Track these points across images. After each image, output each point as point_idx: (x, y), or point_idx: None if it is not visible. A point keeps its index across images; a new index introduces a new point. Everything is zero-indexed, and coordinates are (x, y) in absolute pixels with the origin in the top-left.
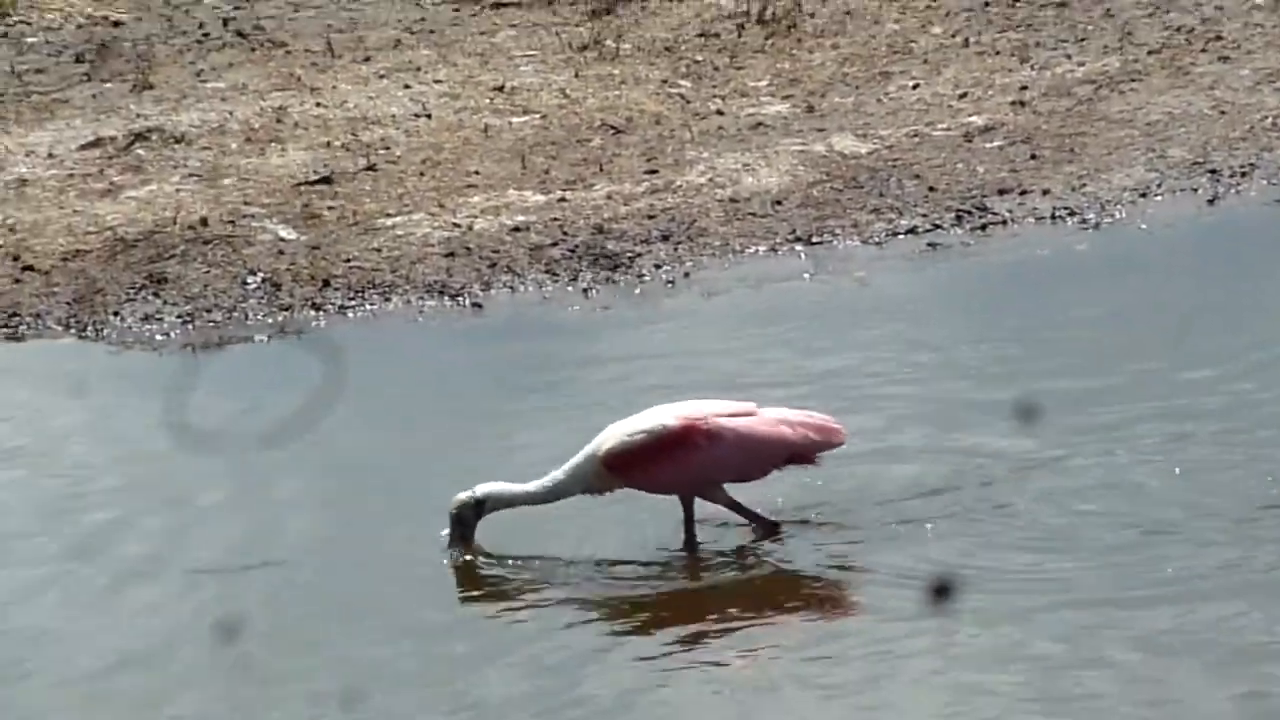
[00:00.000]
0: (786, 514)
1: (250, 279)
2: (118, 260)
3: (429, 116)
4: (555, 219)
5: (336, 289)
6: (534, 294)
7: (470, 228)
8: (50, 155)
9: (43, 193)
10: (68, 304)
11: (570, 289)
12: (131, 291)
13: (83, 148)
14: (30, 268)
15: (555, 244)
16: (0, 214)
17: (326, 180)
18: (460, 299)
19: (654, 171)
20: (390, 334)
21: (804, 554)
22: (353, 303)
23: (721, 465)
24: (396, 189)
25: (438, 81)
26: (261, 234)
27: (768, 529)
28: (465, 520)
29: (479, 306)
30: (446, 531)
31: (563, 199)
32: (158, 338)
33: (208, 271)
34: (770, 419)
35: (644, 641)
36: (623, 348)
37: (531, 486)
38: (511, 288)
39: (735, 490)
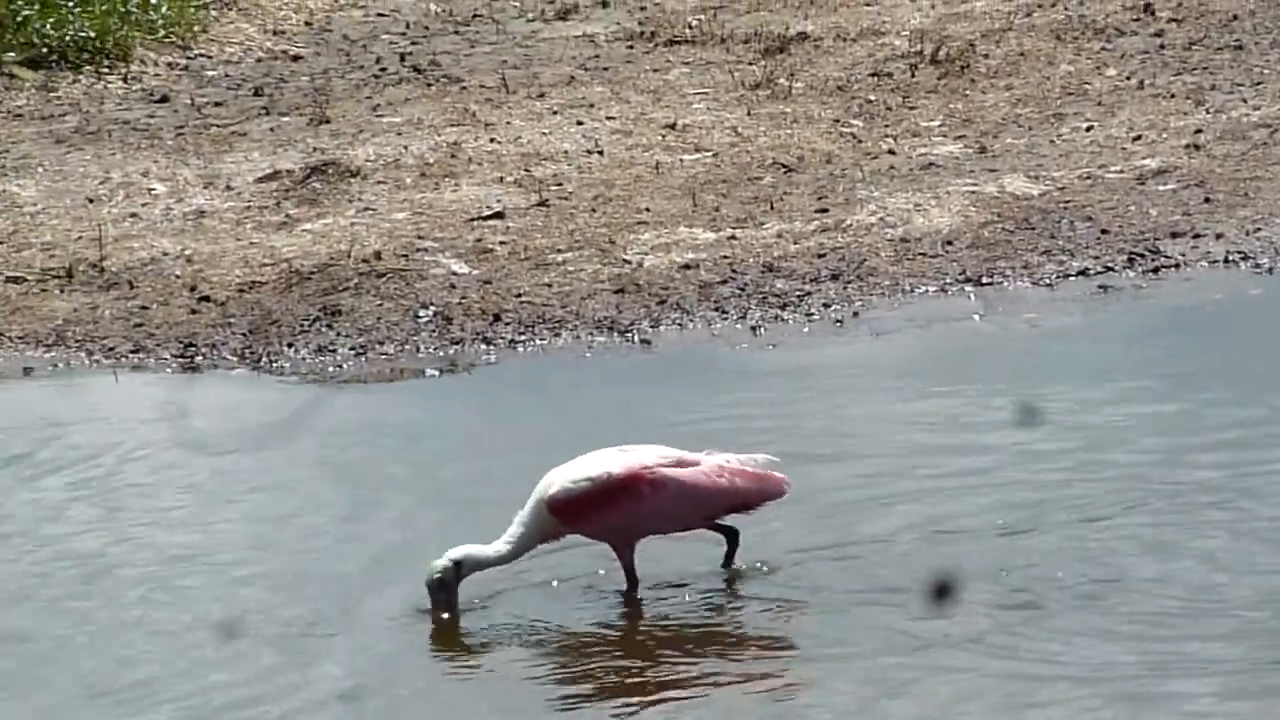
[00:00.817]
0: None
1: (422, 312)
2: (293, 292)
3: (601, 153)
4: (725, 257)
5: (507, 323)
6: (703, 331)
7: (640, 264)
8: (228, 187)
9: (220, 224)
10: (243, 335)
11: (739, 326)
12: (305, 323)
13: (260, 180)
14: (207, 299)
15: (724, 281)
16: (178, 245)
17: (499, 215)
18: (629, 335)
19: (824, 210)
20: (559, 369)
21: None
22: (523, 337)
23: (663, 515)
24: (568, 225)
25: (610, 118)
26: (434, 268)
27: (632, 588)
28: (447, 585)
29: (648, 343)
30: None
31: (733, 237)
32: (330, 370)
33: (380, 304)
34: (712, 468)
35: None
36: (790, 386)
37: (501, 546)
38: (680, 325)
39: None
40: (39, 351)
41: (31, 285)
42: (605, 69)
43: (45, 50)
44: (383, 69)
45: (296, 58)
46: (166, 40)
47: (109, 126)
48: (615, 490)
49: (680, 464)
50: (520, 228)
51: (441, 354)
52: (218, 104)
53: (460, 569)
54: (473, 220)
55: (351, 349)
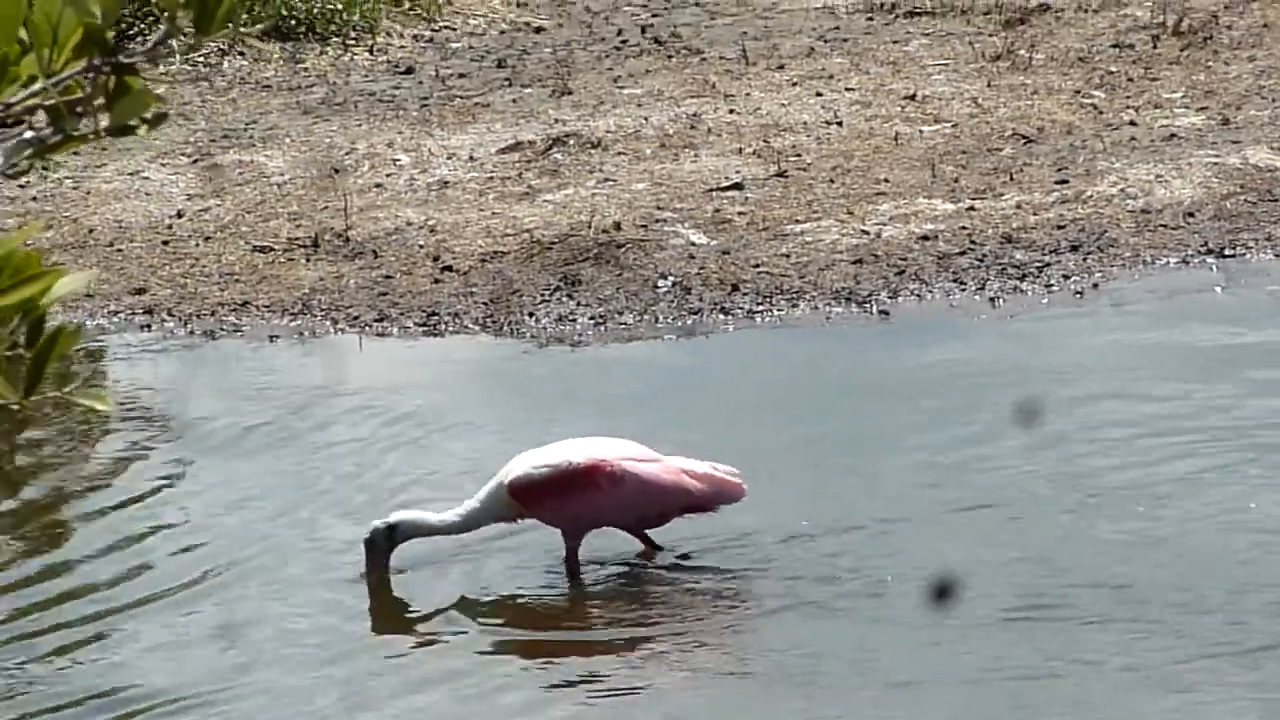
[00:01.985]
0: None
1: (661, 283)
2: (534, 262)
3: (840, 124)
4: (964, 228)
5: (745, 294)
6: (941, 302)
7: (879, 235)
8: (471, 158)
9: (463, 195)
10: (485, 304)
11: (977, 298)
12: (546, 293)
13: (502, 151)
14: (450, 268)
15: (963, 253)
16: (422, 215)
17: (738, 186)
18: (867, 306)
19: (1064, 182)
20: (798, 339)
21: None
22: (761, 308)
23: (620, 507)
24: (806, 196)
25: (849, 89)
26: (673, 239)
27: (573, 577)
28: (377, 547)
29: (886, 314)
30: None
31: (972, 208)
32: (571, 339)
33: (620, 274)
34: (673, 467)
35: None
36: (1029, 358)
37: (448, 515)
38: (919, 295)
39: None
40: (285, 320)
41: (278, 255)
42: (845, 40)
43: (293, 22)
44: (624, 41)
45: (539, 30)
46: (412, 13)
47: (355, 98)
48: (574, 479)
49: (642, 461)
50: (759, 198)
51: (680, 324)
52: (461, 76)
53: (394, 532)
54: (712, 191)
55: (591, 318)
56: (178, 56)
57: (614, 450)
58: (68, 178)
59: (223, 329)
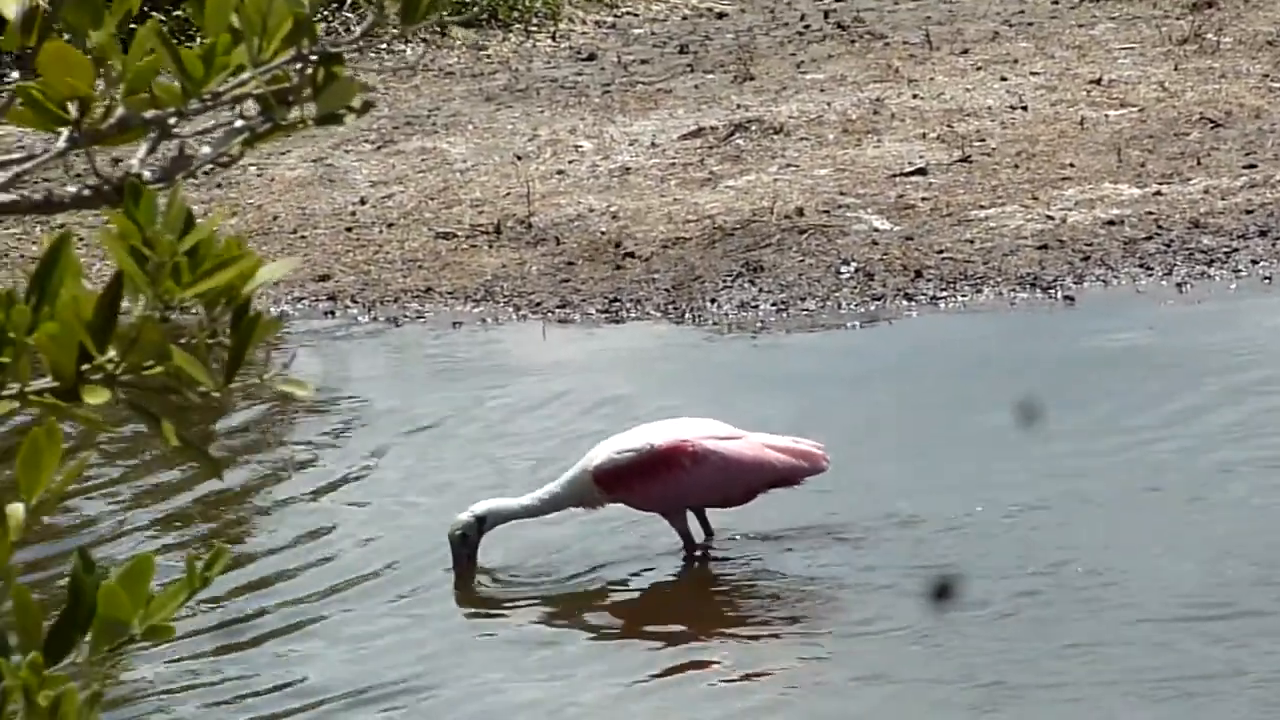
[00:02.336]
0: None
1: (844, 268)
2: (715, 248)
3: (1025, 109)
4: (1150, 212)
5: (929, 280)
6: (1127, 287)
7: (1064, 220)
8: (653, 144)
9: (645, 181)
10: (666, 290)
11: (1164, 283)
12: (728, 279)
13: (684, 137)
14: (631, 254)
15: (1150, 238)
16: (604, 201)
17: (921, 171)
18: (1052, 291)
19: (1253, 166)
20: (981, 326)
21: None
22: (944, 294)
23: (706, 486)
24: (990, 181)
25: (1034, 74)
26: (856, 224)
27: (689, 549)
28: (469, 541)
29: (1071, 299)
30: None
31: (1158, 192)
32: (753, 325)
33: (802, 260)
34: (755, 443)
35: (644, 653)
36: (1217, 343)
37: (528, 500)
38: (1104, 281)
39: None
40: (467, 306)
41: (461, 241)
42: (1030, 24)
43: (476, 9)
44: (806, 26)
45: (721, 15)
46: None
47: (537, 84)
48: (657, 461)
49: (725, 439)
50: (942, 184)
51: (862, 310)
52: (643, 62)
53: (483, 524)
54: (895, 176)
55: (773, 304)
56: (360, 43)
57: (695, 430)
58: (252, 165)
59: (406, 315)
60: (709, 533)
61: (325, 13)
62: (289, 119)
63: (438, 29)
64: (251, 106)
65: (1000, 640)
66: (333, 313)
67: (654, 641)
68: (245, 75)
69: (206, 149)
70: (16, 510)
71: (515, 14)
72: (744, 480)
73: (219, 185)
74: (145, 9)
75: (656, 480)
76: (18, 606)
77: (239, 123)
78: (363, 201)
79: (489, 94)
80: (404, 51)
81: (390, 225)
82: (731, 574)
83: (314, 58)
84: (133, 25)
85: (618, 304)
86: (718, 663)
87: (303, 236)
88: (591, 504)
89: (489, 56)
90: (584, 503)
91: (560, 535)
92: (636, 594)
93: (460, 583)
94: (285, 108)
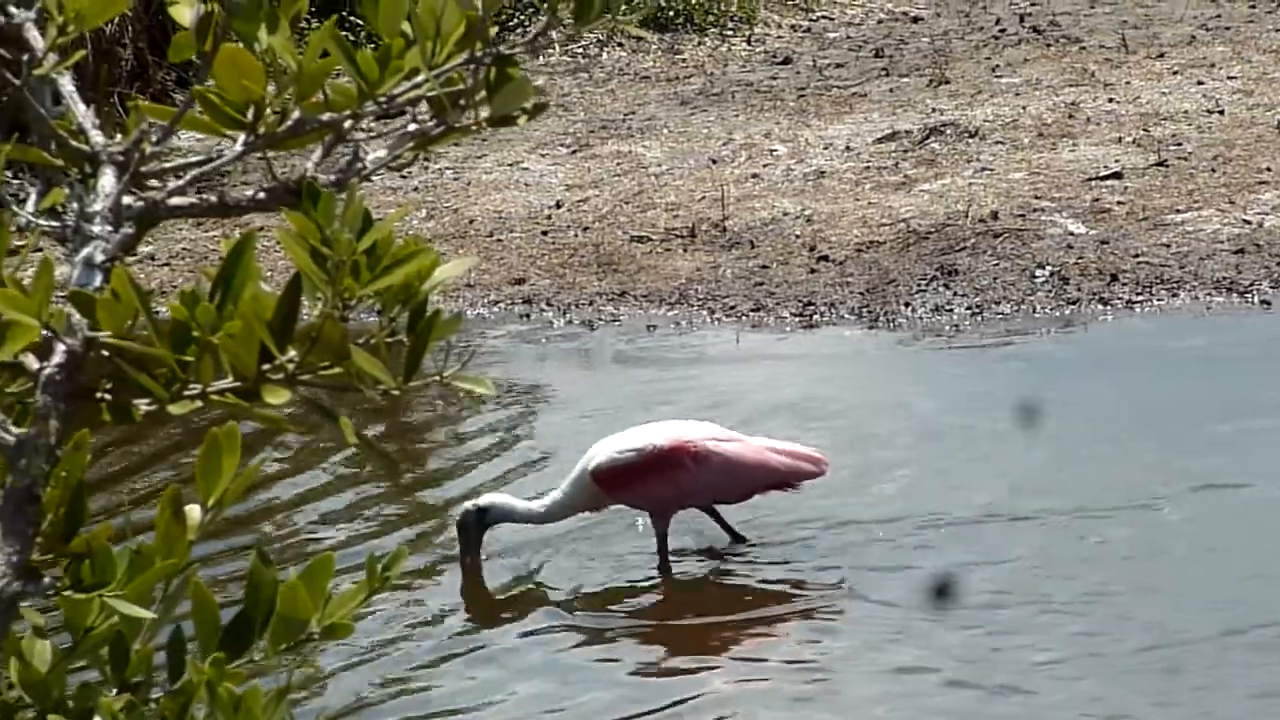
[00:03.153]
0: None
1: (1039, 272)
2: (910, 252)
3: (1221, 112)
4: None
5: (1124, 284)
6: None
7: (1260, 225)
8: (847, 148)
9: (839, 185)
10: (861, 294)
11: None
12: (923, 283)
13: (878, 141)
14: (825, 258)
15: None
16: (799, 204)
17: (1117, 175)
18: (1249, 296)
19: None
20: (1177, 330)
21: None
22: (1140, 298)
23: (706, 486)
24: (1186, 185)
25: (1231, 78)
26: (1051, 228)
27: (664, 559)
28: (469, 529)
29: (1267, 304)
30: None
31: None
32: (947, 329)
33: (997, 264)
34: (756, 445)
35: (643, 655)
36: None
37: (534, 505)
38: None
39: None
40: (662, 309)
41: (656, 244)
42: (1226, 28)
43: (671, 14)
44: (1002, 30)
45: (916, 19)
46: (790, 3)
47: (732, 88)
48: (659, 461)
49: (724, 440)
50: (1138, 187)
51: (1057, 314)
52: (838, 66)
53: (485, 515)
54: (1090, 180)
55: (968, 308)
56: (557, 48)
57: (695, 431)
58: (448, 169)
59: (600, 319)
60: (737, 538)
61: (504, 13)
62: (462, 122)
63: (634, 36)
64: (425, 109)
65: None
66: (528, 316)
67: (655, 644)
68: (419, 78)
69: (381, 152)
70: (194, 511)
71: (710, 18)
72: (744, 482)
73: (415, 189)
74: (314, 12)
75: (659, 480)
76: (196, 604)
77: (412, 126)
78: (558, 205)
79: (684, 98)
80: (600, 56)
81: (585, 229)
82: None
83: (487, 60)
84: (302, 28)
85: (811, 308)
86: (720, 663)
87: (498, 240)
88: (593, 507)
89: (684, 61)
90: (586, 506)
91: (556, 533)
92: (647, 594)
93: (464, 570)
94: (458, 110)
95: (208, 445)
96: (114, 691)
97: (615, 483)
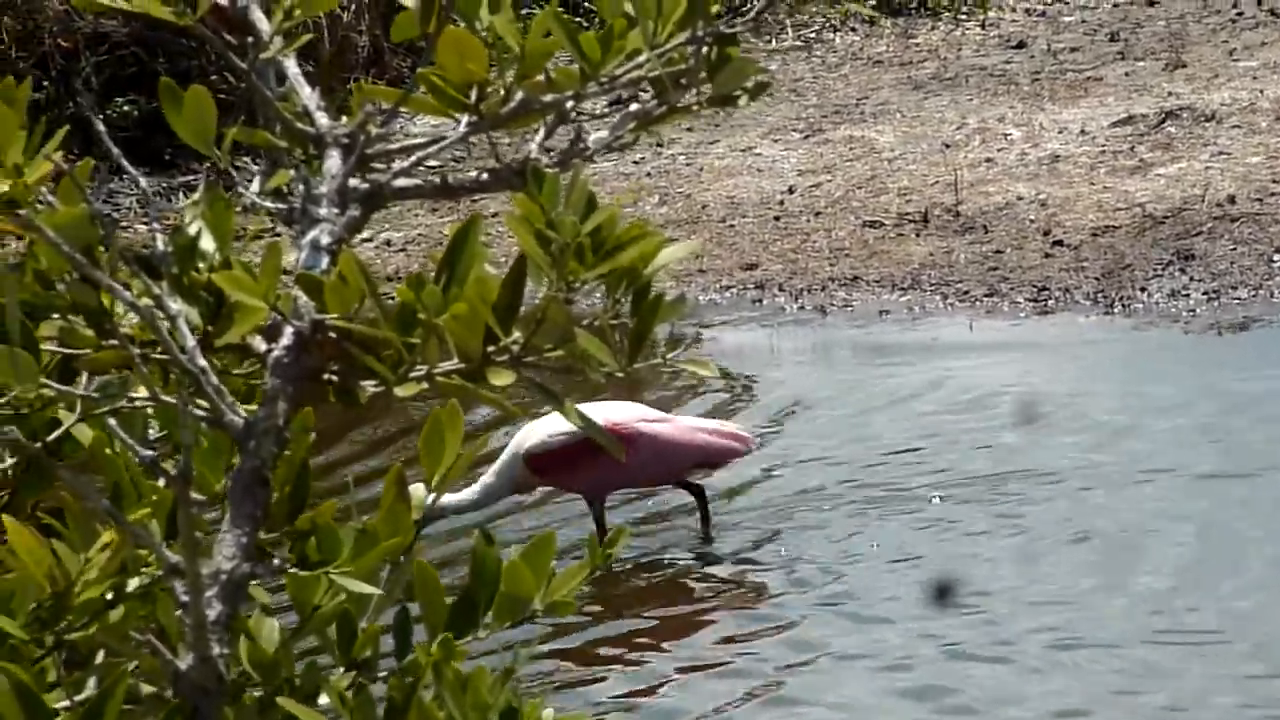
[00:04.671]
0: None
1: (1276, 257)
2: (1145, 237)
3: None
4: None
5: None
6: None
7: None
8: (1082, 132)
9: (1074, 169)
10: (1096, 279)
11: None
12: (1159, 268)
13: (1114, 125)
14: (1060, 243)
15: None
16: (1032, 190)
17: None
18: None
19: None
20: None
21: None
22: None
23: (637, 466)
24: None
25: None
26: None
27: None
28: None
29: None
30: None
31: None
32: (1183, 315)
33: (1234, 249)
34: (685, 425)
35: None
36: None
37: (464, 494)
38: None
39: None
40: (894, 295)
41: (888, 229)
42: None
43: None
44: (1239, 13)
45: (1153, 3)
46: None
47: (966, 72)
48: (589, 444)
49: (653, 421)
50: None
51: None
52: (1073, 49)
53: (422, 526)
54: None
55: (1204, 294)
56: (790, 32)
57: (624, 413)
58: (681, 154)
59: (833, 304)
60: (705, 517)
61: None
62: (683, 102)
63: (867, 20)
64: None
65: None
66: (760, 301)
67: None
68: (641, 58)
69: (603, 133)
70: (418, 490)
71: (944, 2)
72: (675, 461)
73: (648, 175)
74: None
75: (590, 462)
76: (421, 584)
77: (634, 106)
78: (791, 190)
79: (917, 82)
80: (833, 41)
81: (818, 214)
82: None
83: (709, 39)
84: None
85: (1045, 293)
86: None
87: (731, 225)
88: (524, 488)
89: (918, 45)
90: (517, 489)
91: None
92: (644, 578)
93: None
94: (680, 90)
95: (431, 424)
96: (340, 670)
97: (547, 466)
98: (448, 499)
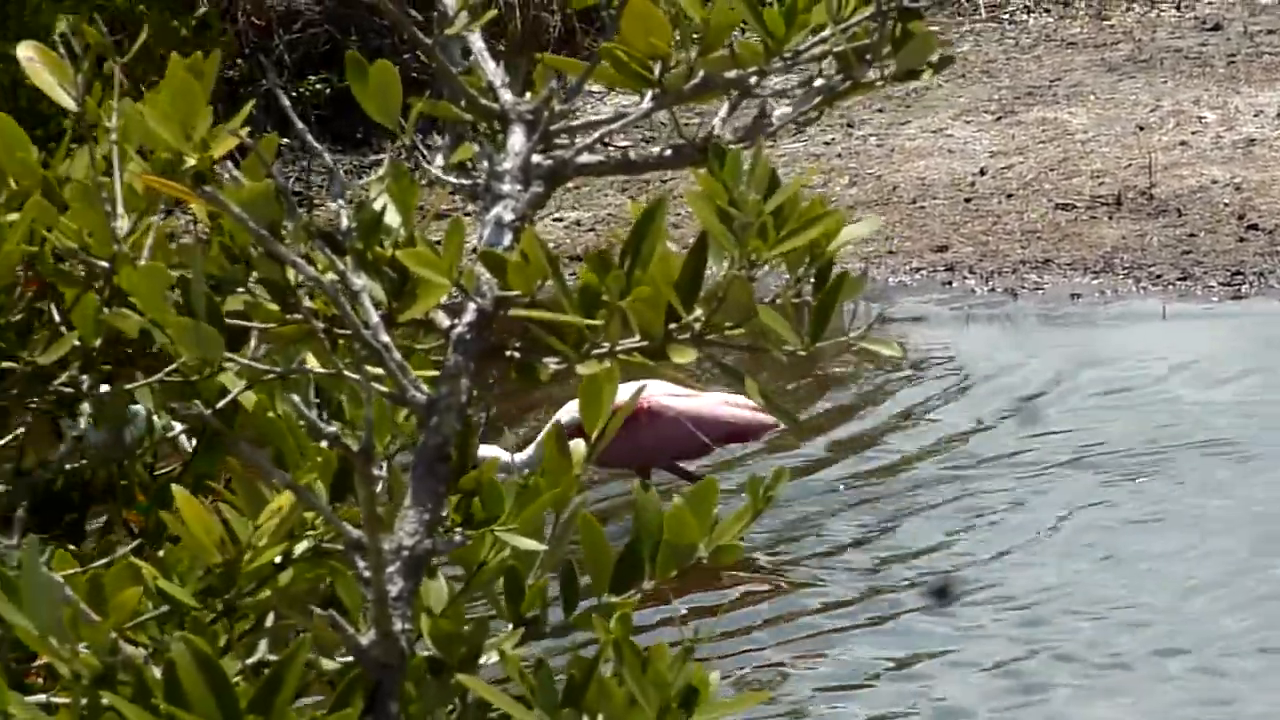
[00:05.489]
0: None
1: None
2: None
3: None
4: None
5: None
6: None
7: None
8: (1279, 116)
9: (1269, 153)
10: None
11: None
12: None
13: None
14: (1255, 227)
15: None
16: (1227, 173)
17: None
18: None
19: None
20: None
21: None
22: None
23: (663, 440)
24: None
25: None
26: None
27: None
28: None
29: None
30: None
31: None
32: None
33: None
34: (711, 400)
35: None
36: None
37: (518, 458)
38: None
39: None
40: (1086, 278)
41: (1080, 212)
42: None
43: None
44: None
45: None
46: None
47: (1161, 54)
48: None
49: (678, 396)
50: None
51: None
52: (1270, 32)
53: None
54: None
55: None
56: (982, 12)
57: (650, 389)
58: (872, 135)
59: (1024, 286)
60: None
61: None
62: (867, 77)
63: (1061, 2)
64: (831, 65)
65: None
66: (950, 283)
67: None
68: (825, 33)
69: (787, 109)
70: (579, 445)
71: None
72: (699, 436)
73: (839, 155)
74: None
75: (616, 436)
76: (587, 540)
77: (818, 82)
78: (982, 172)
79: (1111, 64)
80: (1026, 22)
81: (1009, 196)
82: None
83: (893, 14)
84: None
85: (1240, 277)
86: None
87: (921, 207)
88: None
89: (1112, 27)
90: None
91: None
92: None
93: None
94: (864, 65)
95: (588, 382)
96: (509, 627)
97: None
98: (517, 457)
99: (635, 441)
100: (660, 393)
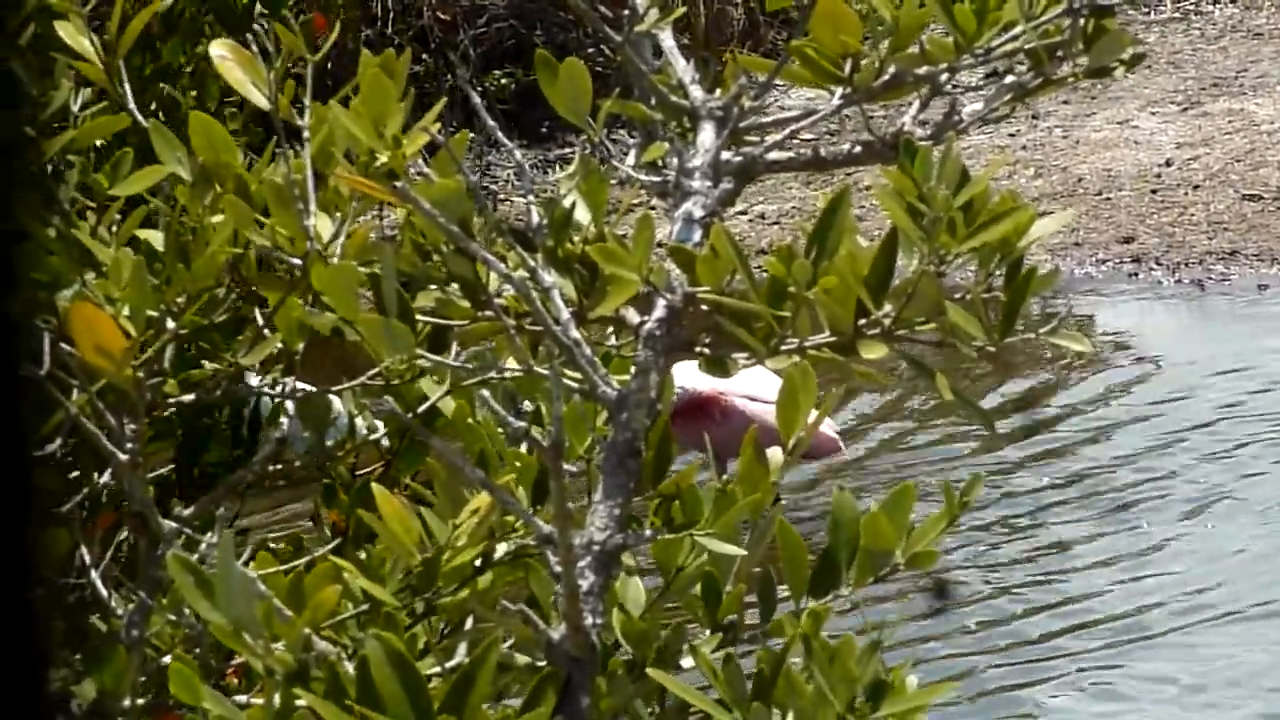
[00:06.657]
0: None
1: None
2: None
3: None
4: None
5: None
6: None
7: None
8: None
9: None
10: None
11: None
12: None
13: None
14: None
15: None
16: None
17: None
18: None
19: None
20: None
21: None
22: None
23: (725, 441)
24: None
25: None
26: None
27: None
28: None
29: None
30: None
31: None
32: None
33: None
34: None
35: None
36: None
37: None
38: None
39: None
40: (1273, 269)
41: (1267, 203)
42: None
43: None
44: None
45: None
46: None
47: None
48: (692, 406)
49: (755, 400)
50: None
51: None
52: None
53: None
54: None
55: None
56: (1168, 4)
57: (741, 385)
58: (1057, 127)
59: (1210, 278)
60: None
61: None
62: (1059, 74)
63: None
64: (1022, 62)
65: None
66: (1136, 275)
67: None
68: (1017, 30)
69: (978, 105)
70: (775, 453)
71: None
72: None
73: (1023, 148)
74: None
75: (683, 423)
76: (785, 545)
77: (1009, 79)
78: (1168, 163)
79: None
80: (1212, 13)
81: (1195, 187)
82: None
83: (1085, 11)
84: None
85: None
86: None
87: (1107, 198)
88: None
89: None
90: None
91: None
92: None
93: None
94: (1055, 62)
95: (786, 385)
96: (706, 632)
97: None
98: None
99: (699, 433)
100: (740, 391)
